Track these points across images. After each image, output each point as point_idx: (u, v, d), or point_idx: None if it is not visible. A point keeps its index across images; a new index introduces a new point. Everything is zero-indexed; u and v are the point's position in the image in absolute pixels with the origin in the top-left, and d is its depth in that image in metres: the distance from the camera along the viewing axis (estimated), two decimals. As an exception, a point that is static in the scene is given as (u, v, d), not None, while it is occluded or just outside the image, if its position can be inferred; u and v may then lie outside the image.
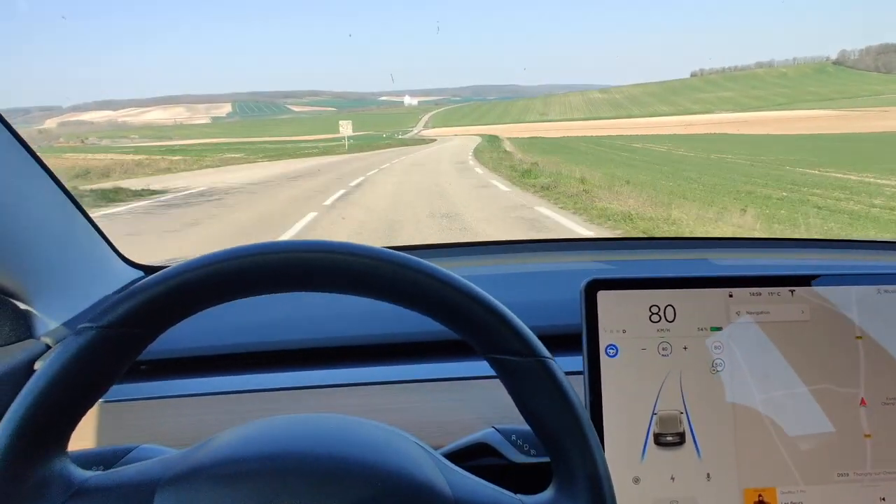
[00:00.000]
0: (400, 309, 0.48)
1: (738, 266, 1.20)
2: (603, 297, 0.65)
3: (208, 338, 0.92)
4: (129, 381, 0.86)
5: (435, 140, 58.30)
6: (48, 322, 0.87)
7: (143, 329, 0.45)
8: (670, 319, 0.66)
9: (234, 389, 0.82)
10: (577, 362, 0.66)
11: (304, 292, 0.46)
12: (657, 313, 0.66)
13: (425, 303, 0.46)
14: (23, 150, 0.85)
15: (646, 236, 6.63)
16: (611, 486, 0.47)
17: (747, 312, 0.66)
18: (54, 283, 0.89)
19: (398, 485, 0.46)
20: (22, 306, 0.85)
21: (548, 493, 0.49)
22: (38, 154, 0.88)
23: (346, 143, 43.23)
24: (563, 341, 0.78)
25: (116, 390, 0.82)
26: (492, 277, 1.14)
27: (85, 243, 0.99)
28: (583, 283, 0.65)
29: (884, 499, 0.65)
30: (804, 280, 0.67)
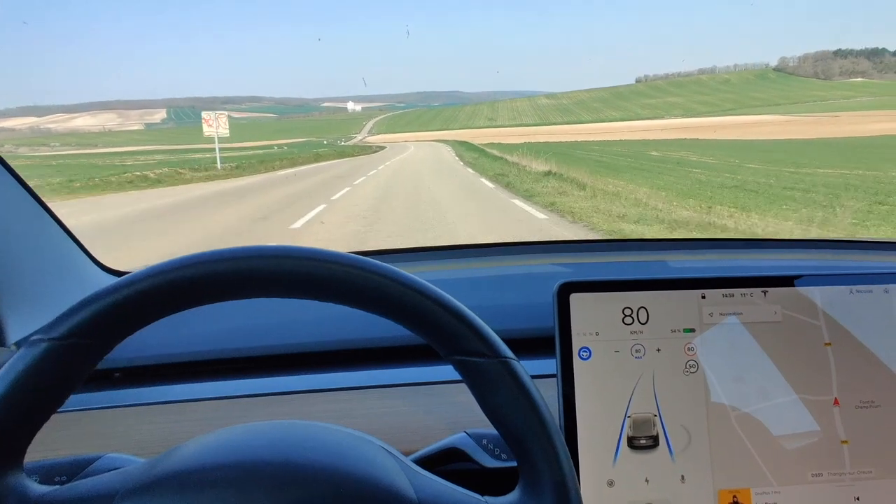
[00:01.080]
0: (370, 314, 0.48)
1: (711, 267, 1.22)
2: (576, 299, 0.65)
3: (182, 344, 0.91)
4: (101, 389, 0.86)
5: (384, 147, 51.63)
6: (19, 329, 0.86)
7: (96, 340, 0.44)
8: (643, 321, 0.66)
9: (209, 396, 0.82)
10: (550, 365, 0.66)
11: (278, 299, 0.46)
12: (630, 315, 0.65)
13: (384, 306, 0.46)
14: None
15: (617, 238, 6.30)
16: (576, 486, 0.47)
17: (720, 314, 0.67)
18: (26, 289, 0.89)
19: (361, 489, 0.45)
20: None
21: (514, 495, 0.49)
22: (5, 161, 0.87)
23: (218, 156, 24.41)
24: (536, 344, 0.80)
25: (88, 399, 0.82)
26: (463, 281, 1.13)
27: (58, 249, 1.00)
28: (555, 286, 0.65)
29: (858, 498, 0.65)
30: (777, 281, 0.68)
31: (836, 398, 0.66)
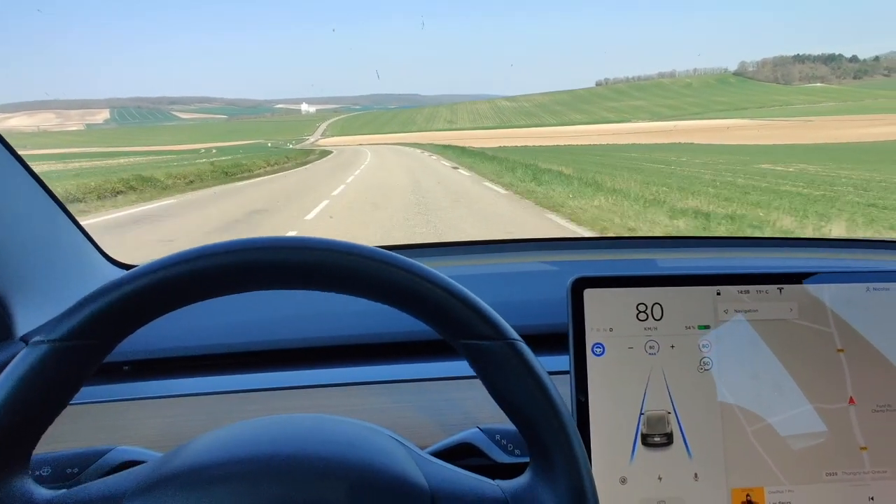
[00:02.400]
0: (387, 308, 0.47)
1: (726, 265, 1.21)
2: (590, 295, 0.64)
3: (192, 338, 0.91)
4: (111, 382, 0.86)
5: (331, 153, 42.91)
6: (30, 322, 0.86)
7: (98, 339, 0.43)
8: (657, 318, 0.65)
9: (218, 390, 0.81)
10: (563, 362, 0.66)
11: (285, 290, 0.45)
12: (644, 311, 0.65)
13: (387, 293, 0.46)
14: (2, 149, 0.86)
15: (632, 235, 6.16)
16: (588, 466, 0.47)
17: (735, 310, 0.66)
18: (37, 282, 0.89)
19: (372, 479, 0.46)
20: (3, 306, 0.84)
21: (525, 477, 0.49)
22: (18, 154, 0.88)
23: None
24: (549, 340, 0.80)
25: (98, 391, 0.83)
26: (477, 277, 1.14)
27: (68, 243, 1.00)
28: (569, 281, 0.65)
29: (872, 498, 0.64)
30: (792, 278, 0.67)
31: (851, 402, 0.65)
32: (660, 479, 0.63)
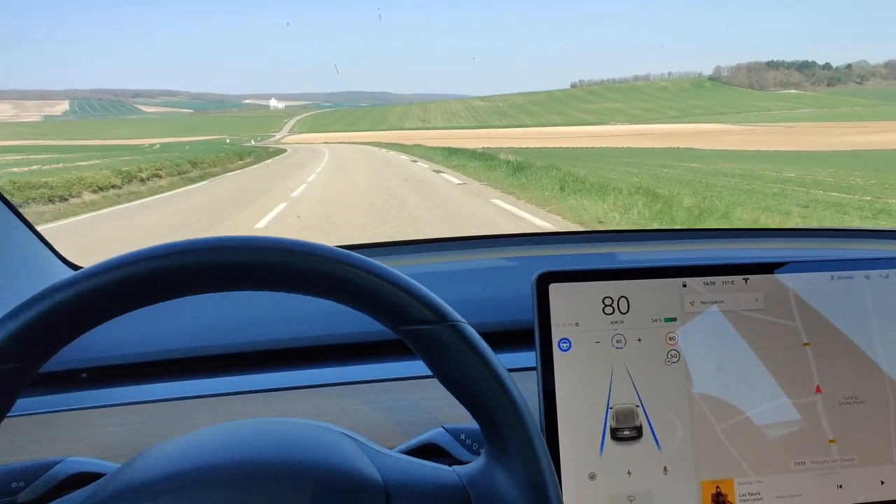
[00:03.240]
0: (350, 309, 0.46)
1: (692, 257, 1.21)
2: (555, 290, 0.64)
3: (153, 343, 0.89)
4: (68, 391, 0.83)
5: (284, 151, 37.04)
6: None
7: (21, 363, 0.41)
8: (624, 311, 0.64)
9: (180, 396, 0.79)
10: (530, 358, 0.65)
11: (241, 292, 0.44)
12: (610, 305, 0.64)
13: (320, 285, 0.44)
14: None
15: (598, 230, 6.19)
16: (542, 443, 0.46)
17: (701, 302, 0.66)
18: None
19: (323, 477, 0.45)
20: None
21: (481, 460, 0.48)
22: None
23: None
24: (515, 337, 0.79)
25: (54, 401, 0.79)
26: (440, 274, 1.12)
27: (19, 244, 0.97)
28: (534, 276, 0.64)
29: (841, 486, 0.65)
30: (758, 268, 0.67)
31: (818, 397, 0.65)
32: (629, 473, 0.62)
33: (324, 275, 0.44)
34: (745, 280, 0.66)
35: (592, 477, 0.62)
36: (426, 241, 1.32)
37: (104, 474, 0.50)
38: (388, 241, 1.26)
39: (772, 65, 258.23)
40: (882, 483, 0.65)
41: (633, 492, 0.62)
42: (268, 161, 27.24)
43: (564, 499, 0.60)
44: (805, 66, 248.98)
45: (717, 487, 0.63)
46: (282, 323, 0.93)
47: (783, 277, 0.67)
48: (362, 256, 0.45)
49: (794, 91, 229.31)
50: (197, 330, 0.92)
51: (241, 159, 25.92)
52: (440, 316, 0.45)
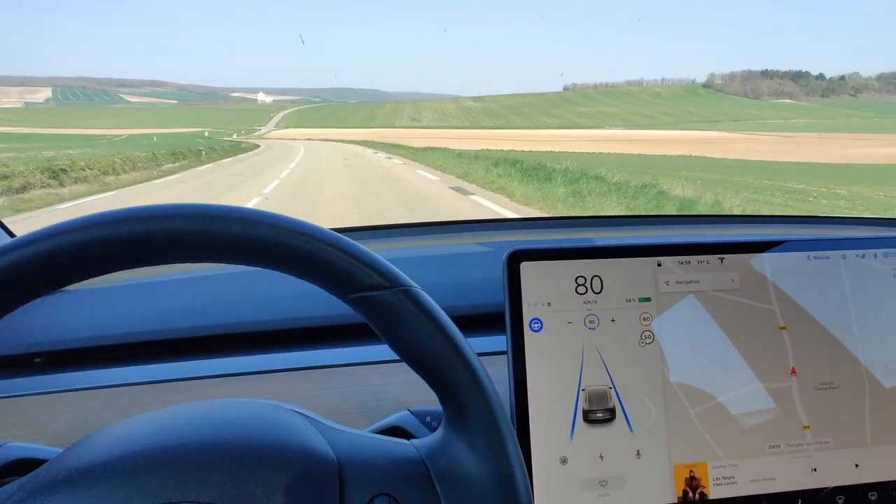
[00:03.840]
0: (318, 291, 0.44)
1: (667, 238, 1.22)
2: (526, 268, 0.62)
3: (111, 326, 0.86)
4: (21, 376, 0.81)
5: (257, 146, 32.77)
6: None
7: None
8: (597, 291, 0.63)
9: (139, 381, 0.77)
10: (502, 342, 0.63)
11: (215, 274, 0.39)
12: (583, 285, 0.62)
13: (265, 255, 0.42)
14: None
15: (572, 215, 6.01)
16: (503, 411, 0.45)
17: (676, 282, 0.64)
18: None
19: (274, 456, 0.43)
20: None
21: (440, 431, 0.47)
22: None
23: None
24: (487, 320, 0.78)
25: (5, 386, 0.77)
26: (412, 260, 1.10)
27: None
28: (505, 255, 0.62)
29: (815, 469, 0.64)
30: (734, 248, 0.66)
31: (793, 382, 0.65)
32: (601, 457, 0.61)
33: (265, 242, 0.41)
34: (721, 260, 0.65)
35: (564, 461, 0.60)
36: (397, 226, 1.28)
37: (46, 460, 0.48)
38: (357, 226, 1.21)
39: (766, 74, 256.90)
40: (856, 466, 0.65)
41: (605, 476, 0.60)
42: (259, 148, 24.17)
43: (535, 483, 0.59)
44: (799, 76, 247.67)
45: (691, 471, 0.62)
46: (249, 306, 0.90)
47: (760, 257, 0.66)
48: (304, 221, 0.42)
49: (788, 101, 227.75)
50: (160, 313, 0.88)
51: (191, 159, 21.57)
52: (391, 281, 0.43)
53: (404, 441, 0.47)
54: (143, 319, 0.87)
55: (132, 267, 0.41)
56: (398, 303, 0.43)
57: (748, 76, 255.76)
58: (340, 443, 0.46)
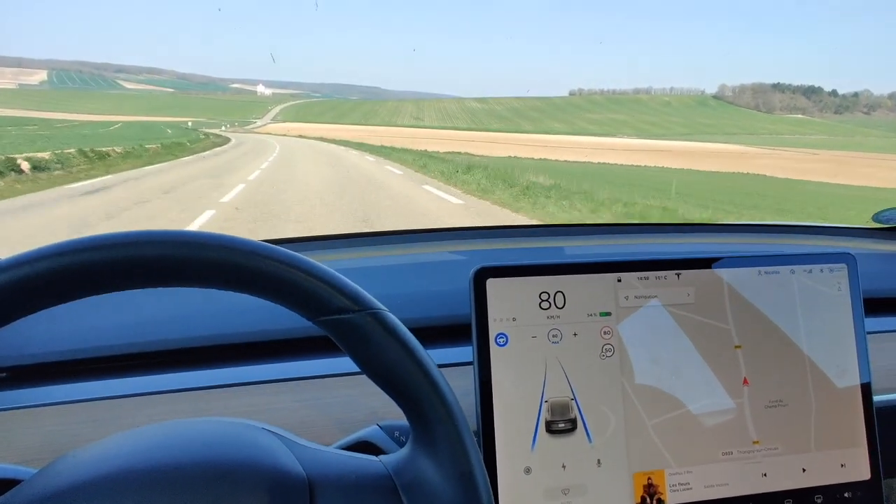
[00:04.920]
0: None
1: (628, 252, 1.23)
2: (492, 284, 0.64)
3: (81, 339, 0.84)
4: None
5: (229, 140, 26.69)
6: None
7: None
8: (560, 306, 0.65)
9: (108, 395, 0.76)
10: (467, 353, 0.65)
11: (185, 289, 0.42)
12: (547, 300, 0.65)
13: (234, 279, 0.42)
14: None
15: (535, 224, 6.30)
16: (468, 428, 0.46)
17: (635, 297, 0.67)
18: None
19: (244, 475, 0.44)
20: None
21: (407, 448, 0.48)
22: None
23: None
24: (453, 332, 0.79)
25: None
26: (378, 269, 1.08)
27: None
28: (472, 271, 0.64)
29: (765, 474, 0.68)
30: (690, 264, 0.69)
31: (745, 400, 0.68)
32: (564, 467, 0.63)
33: (232, 266, 0.41)
34: (678, 275, 0.68)
35: (528, 471, 0.62)
36: (363, 234, 1.29)
37: (20, 481, 0.47)
38: (323, 235, 1.19)
39: (777, 87, 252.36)
40: (804, 470, 0.69)
41: (567, 485, 0.63)
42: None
43: (500, 493, 0.61)
44: (811, 92, 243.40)
45: (649, 479, 0.65)
46: (217, 318, 0.89)
47: (714, 272, 0.69)
48: (273, 245, 0.43)
49: (800, 116, 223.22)
50: (127, 326, 0.87)
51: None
52: (358, 304, 0.44)
53: (372, 457, 0.48)
54: (109, 333, 0.85)
55: (102, 293, 0.41)
56: (366, 325, 0.44)
57: (759, 89, 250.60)
58: (309, 460, 0.47)
